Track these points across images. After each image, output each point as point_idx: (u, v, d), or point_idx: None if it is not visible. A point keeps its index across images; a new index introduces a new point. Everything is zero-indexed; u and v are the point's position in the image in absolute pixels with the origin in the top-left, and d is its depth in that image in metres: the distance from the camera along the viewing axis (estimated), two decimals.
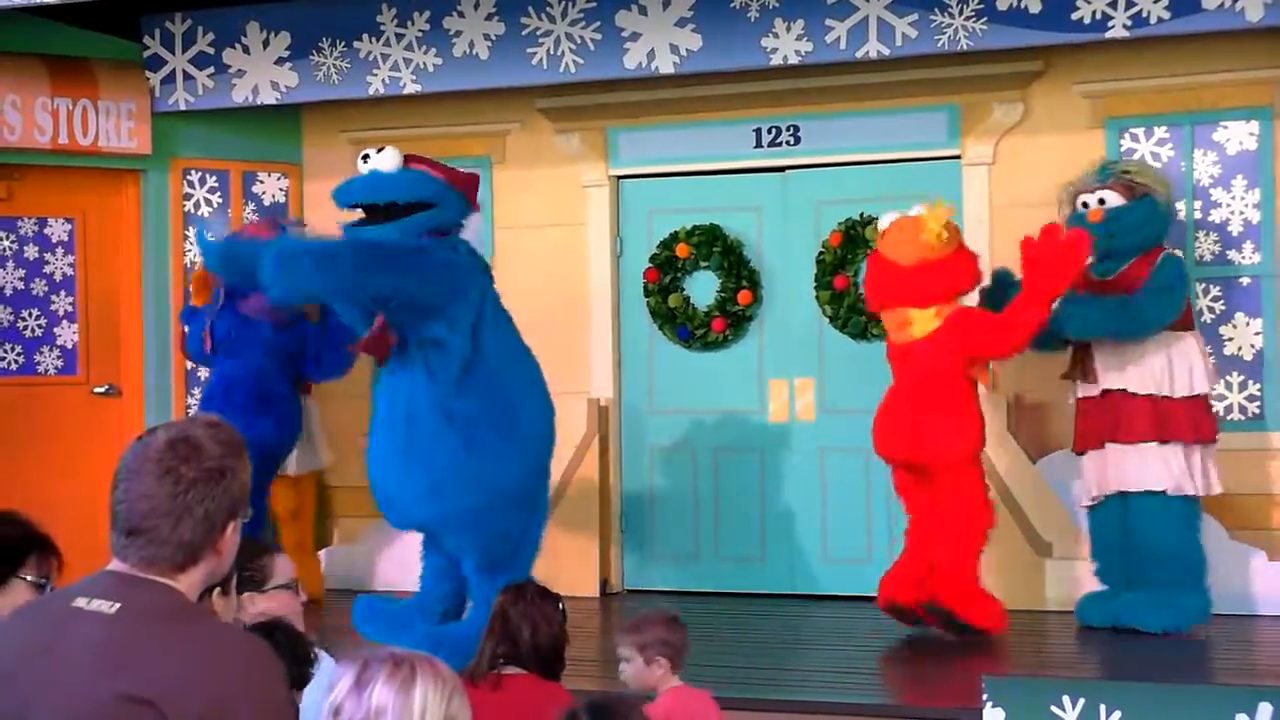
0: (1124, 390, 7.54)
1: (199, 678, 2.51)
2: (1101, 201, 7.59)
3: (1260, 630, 7.62)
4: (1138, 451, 7.50)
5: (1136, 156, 8.33)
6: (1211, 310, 8.24)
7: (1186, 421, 7.47)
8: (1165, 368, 7.48)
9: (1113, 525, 7.63)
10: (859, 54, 8.00)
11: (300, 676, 3.77)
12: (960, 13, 7.77)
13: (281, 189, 9.68)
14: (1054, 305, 7.21)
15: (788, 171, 9.01)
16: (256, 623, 3.91)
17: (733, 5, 8.16)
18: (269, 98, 9.04)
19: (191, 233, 9.13)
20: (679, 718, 4.90)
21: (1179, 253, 7.66)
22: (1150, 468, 7.47)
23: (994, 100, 8.56)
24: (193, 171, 9.39)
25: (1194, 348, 7.55)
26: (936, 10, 7.82)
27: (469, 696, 3.16)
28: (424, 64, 8.71)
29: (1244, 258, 8.24)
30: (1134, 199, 7.57)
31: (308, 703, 3.71)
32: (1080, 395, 7.73)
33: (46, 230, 9.12)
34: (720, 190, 9.13)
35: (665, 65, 8.31)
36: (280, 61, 8.98)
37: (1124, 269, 7.57)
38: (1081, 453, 7.74)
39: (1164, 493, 7.45)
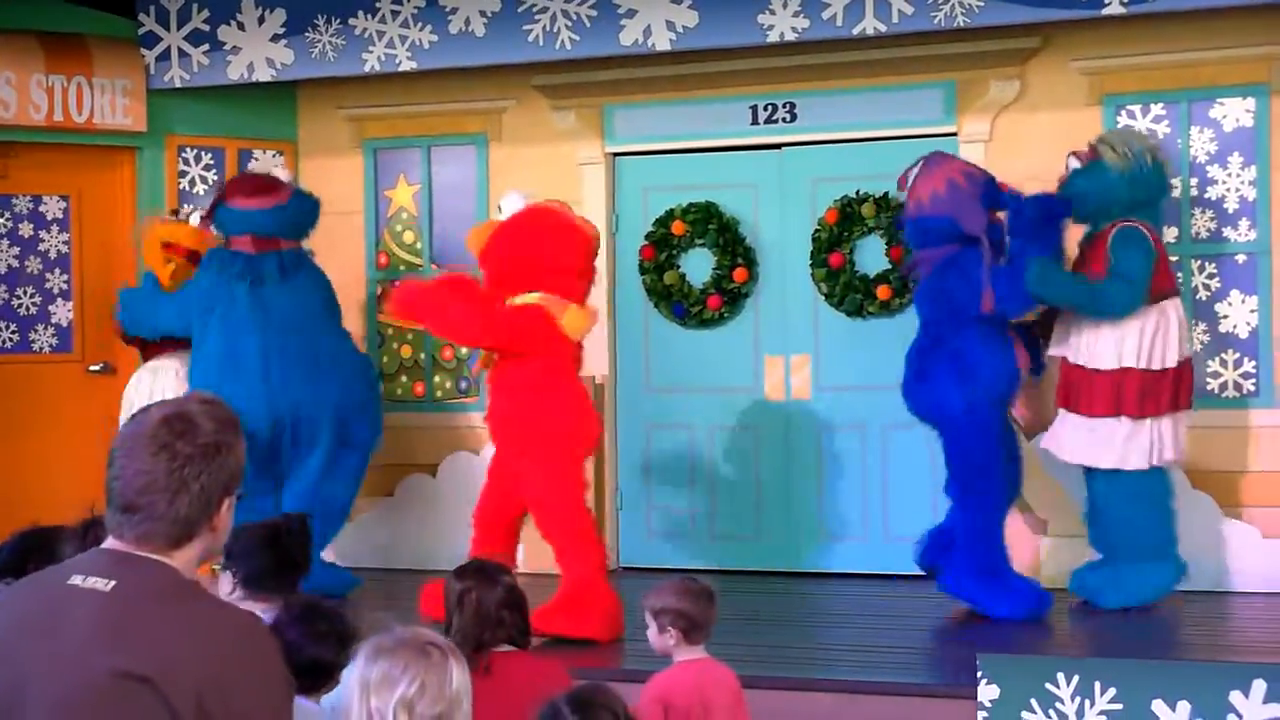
0: (1066, 360, 7.56)
1: (195, 655, 2.51)
2: (1067, 166, 7.64)
3: (1253, 607, 7.63)
4: (1088, 426, 7.50)
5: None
6: (1207, 287, 8.24)
7: (1134, 395, 7.42)
8: (1120, 340, 7.44)
9: (1091, 494, 7.69)
10: (856, 31, 7.98)
11: (345, 658, 3.76)
12: None
13: (277, 166, 9.66)
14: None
15: (784, 149, 9.00)
16: (298, 604, 3.90)
17: None
18: (264, 75, 9.01)
19: (186, 210, 9.07)
20: (680, 692, 4.75)
21: (1137, 226, 7.50)
22: (1097, 444, 7.47)
23: (991, 77, 8.54)
24: (188, 149, 9.36)
25: (1150, 320, 7.45)
26: None
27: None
28: (420, 41, 8.68)
29: (1239, 235, 8.23)
30: (1088, 163, 7.57)
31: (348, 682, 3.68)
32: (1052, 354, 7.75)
33: (41, 208, 9.10)
34: (716, 167, 9.12)
35: (662, 42, 8.29)
36: (276, 38, 8.95)
37: (1091, 243, 7.58)
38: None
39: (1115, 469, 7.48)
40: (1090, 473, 7.57)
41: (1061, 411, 7.61)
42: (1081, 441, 7.50)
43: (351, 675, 3.05)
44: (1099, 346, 7.44)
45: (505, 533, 7.44)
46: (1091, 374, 7.45)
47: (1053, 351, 7.66)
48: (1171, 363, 7.43)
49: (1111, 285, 7.39)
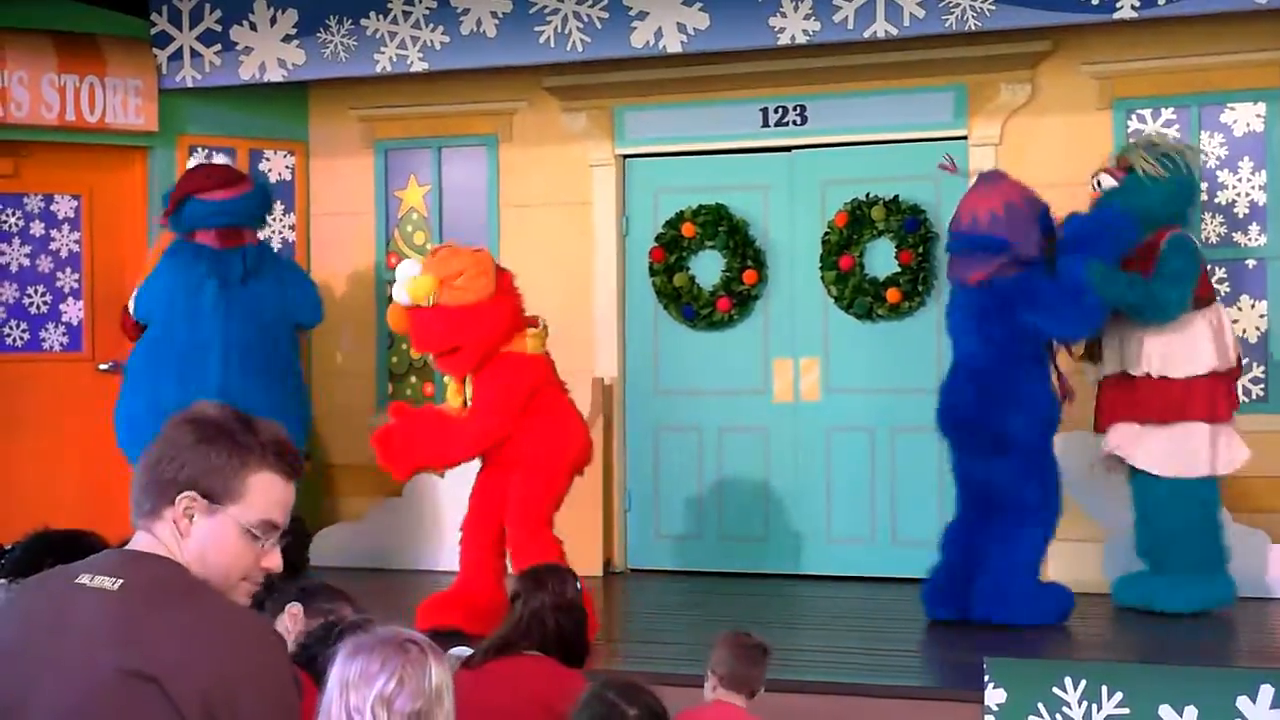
0: (1125, 373, 7.56)
1: (202, 655, 2.51)
2: (1100, 185, 7.60)
3: (1266, 613, 7.60)
4: (1146, 433, 7.50)
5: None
6: (1217, 292, 8.22)
7: (1201, 401, 7.46)
8: (1168, 348, 7.47)
9: (1136, 502, 7.67)
10: (866, 34, 7.98)
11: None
12: None
13: (288, 166, 9.68)
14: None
15: (794, 151, 9.00)
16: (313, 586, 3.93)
17: None
18: (276, 75, 9.03)
19: None
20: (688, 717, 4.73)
21: (1186, 234, 7.59)
22: (1155, 450, 7.47)
23: (1001, 80, 8.54)
24: (199, 149, 9.38)
25: (1201, 326, 7.52)
26: None
27: (464, 681, 3.17)
28: (431, 42, 8.70)
29: (1250, 240, 8.22)
30: (1124, 180, 7.55)
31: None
32: (1102, 375, 7.74)
33: (53, 207, 9.12)
34: (727, 170, 9.12)
35: (672, 44, 8.30)
36: (287, 39, 8.97)
37: (1137, 254, 7.55)
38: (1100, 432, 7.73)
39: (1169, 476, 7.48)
40: (1152, 480, 7.57)
41: (1127, 424, 7.57)
42: (1168, 449, 7.48)
43: (331, 675, 3.04)
44: (1179, 354, 7.45)
45: (493, 550, 7.37)
46: (1172, 382, 7.45)
47: (1117, 369, 7.63)
48: (1223, 367, 7.51)
49: (1160, 288, 7.40)
